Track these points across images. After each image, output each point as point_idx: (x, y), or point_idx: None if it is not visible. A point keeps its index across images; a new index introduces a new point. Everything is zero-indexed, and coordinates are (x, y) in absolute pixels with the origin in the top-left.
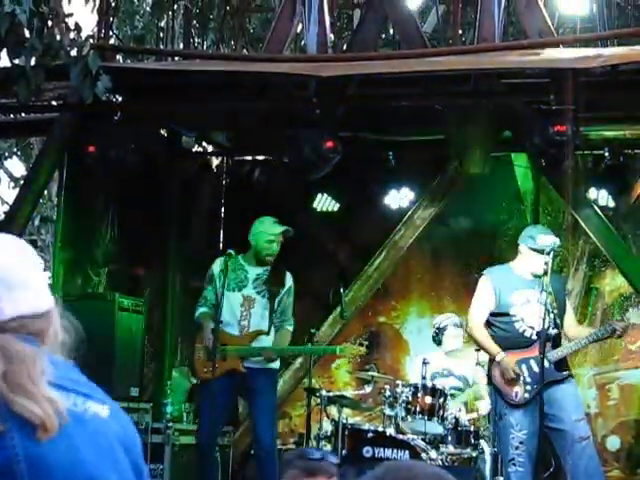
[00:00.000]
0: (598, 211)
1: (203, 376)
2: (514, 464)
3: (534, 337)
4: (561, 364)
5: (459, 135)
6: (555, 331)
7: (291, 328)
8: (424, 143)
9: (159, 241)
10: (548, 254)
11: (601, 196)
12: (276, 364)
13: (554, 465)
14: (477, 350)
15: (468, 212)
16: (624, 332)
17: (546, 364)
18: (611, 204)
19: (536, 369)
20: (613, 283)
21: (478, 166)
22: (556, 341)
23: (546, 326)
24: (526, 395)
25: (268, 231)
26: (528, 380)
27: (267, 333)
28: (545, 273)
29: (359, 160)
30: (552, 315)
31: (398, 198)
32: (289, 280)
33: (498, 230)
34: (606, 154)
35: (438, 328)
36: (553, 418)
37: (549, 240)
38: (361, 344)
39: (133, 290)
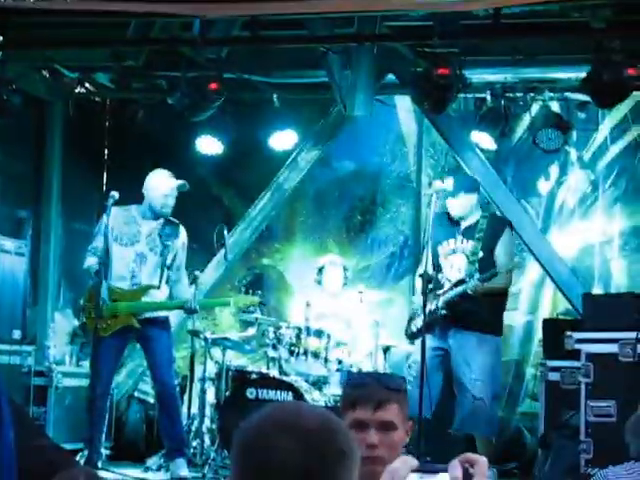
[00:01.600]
0: (480, 154)
1: (98, 334)
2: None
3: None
4: (458, 307)
5: (343, 78)
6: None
7: (187, 281)
8: (308, 85)
9: (42, 182)
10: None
11: (483, 139)
12: (167, 313)
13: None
14: (360, 292)
15: (352, 154)
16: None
17: (432, 306)
18: (492, 147)
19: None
20: None
21: (362, 109)
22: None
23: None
24: (413, 329)
25: (163, 185)
26: (417, 316)
27: (158, 287)
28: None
29: (243, 102)
30: (474, 265)
31: (282, 140)
32: (183, 234)
33: (382, 172)
34: (488, 97)
35: (318, 269)
36: (456, 367)
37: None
38: (253, 293)
39: (15, 232)
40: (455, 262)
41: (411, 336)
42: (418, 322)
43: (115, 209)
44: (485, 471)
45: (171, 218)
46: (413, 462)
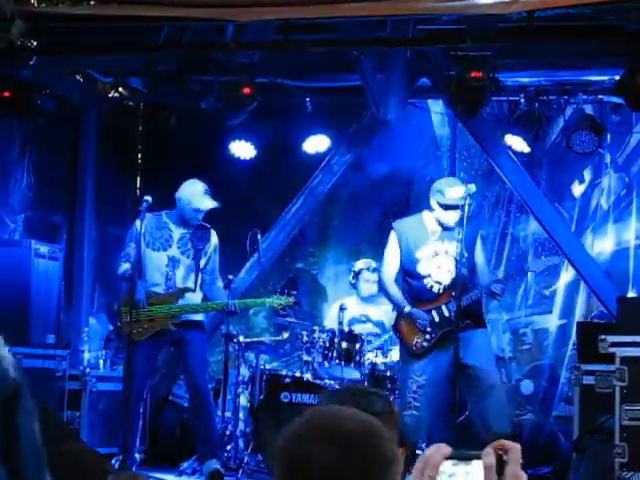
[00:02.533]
0: (513, 157)
1: (133, 337)
2: (410, 407)
3: (440, 291)
4: (467, 314)
5: (376, 81)
6: (457, 284)
7: (221, 284)
8: (341, 89)
9: (76, 187)
10: (458, 208)
11: (516, 142)
12: (202, 317)
13: (469, 409)
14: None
15: (385, 158)
16: (500, 295)
17: (446, 313)
18: (526, 150)
19: (437, 319)
20: (528, 229)
21: (395, 112)
22: (459, 292)
23: (451, 277)
24: (424, 344)
25: (196, 202)
26: (428, 329)
27: (193, 290)
28: (457, 225)
29: (276, 106)
30: (458, 266)
31: (315, 144)
32: (214, 238)
33: (415, 176)
34: (522, 100)
35: (354, 273)
36: (468, 367)
37: (459, 193)
38: (289, 294)
39: (50, 237)
40: (443, 264)
41: (422, 353)
42: (426, 336)
43: (147, 215)
44: (518, 458)
45: (202, 222)
46: (446, 449)
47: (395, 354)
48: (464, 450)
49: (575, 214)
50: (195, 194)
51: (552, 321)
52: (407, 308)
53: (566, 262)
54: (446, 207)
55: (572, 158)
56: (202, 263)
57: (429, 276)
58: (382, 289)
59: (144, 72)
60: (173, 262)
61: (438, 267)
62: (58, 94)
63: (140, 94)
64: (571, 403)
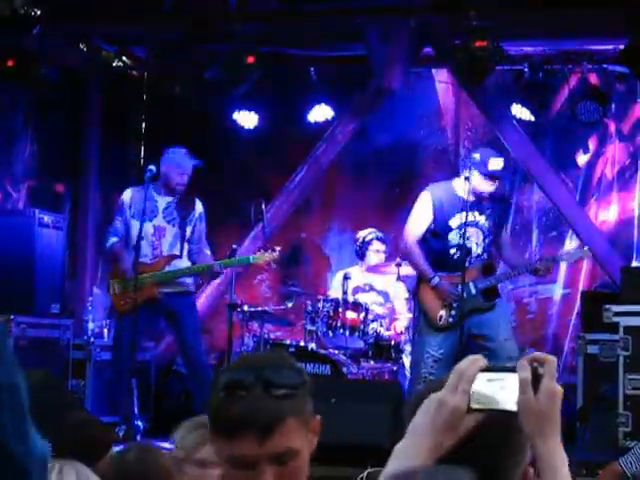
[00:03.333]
0: (518, 126)
1: (122, 309)
2: (424, 381)
3: (466, 263)
4: (489, 292)
5: (380, 51)
6: (485, 259)
7: (209, 251)
8: (345, 58)
9: (79, 156)
10: (498, 178)
11: (521, 111)
12: (191, 286)
13: None
14: (398, 265)
15: (389, 128)
16: (546, 273)
17: (473, 291)
18: (530, 119)
19: (463, 295)
20: (532, 198)
21: (399, 82)
22: (487, 268)
23: (479, 251)
24: (450, 319)
25: (180, 164)
26: (454, 305)
27: (180, 257)
28: (492, 199)
29: (280, 75)
30: (487, 241)
31: (320, 113)
32: (199, 207)
33: (419, 145)
34: (526, 70)
35: (363, 242)
36: (483, 338)
37: (499, 163)
38: (273, 249)
39: (53, 206)
40: (472, 236)
41: (446, 327)
42: (452, 311)
43: (131, 189)
44: (554, 371)
45: (186, 193)
46: (481, 361)
47: (400, 324)
48: (499, 364)
49: (580, 183)
50: (178, 155)
51: (556, 291)
52: (436, 279)
53: (570, 231)
54: (489, 176)
55: (577, 127)
56: (187, 232)
57: (457, 245)
58: (407, 251)
59: (148, 41)
60: (159, 231)
61: (468, 238)
62: (62, 63)
63: (144, 63)
64: (575, 372)
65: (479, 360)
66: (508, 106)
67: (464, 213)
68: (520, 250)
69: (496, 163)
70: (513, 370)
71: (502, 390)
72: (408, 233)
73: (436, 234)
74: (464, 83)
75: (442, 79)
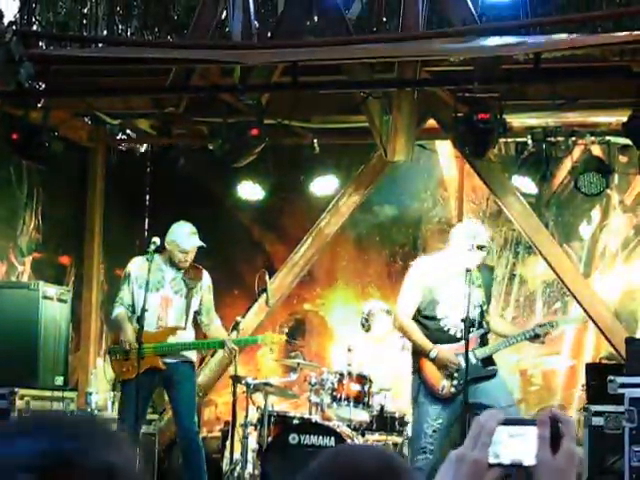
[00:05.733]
0: (521, 198)
1: (123, 376)
2: (424, 451)
3: (458, 335)
4: (488, 360)
5: (383, 123)
6: (482, 330)
7: (219, 323)
8: (349, 130)
9: (84, 229)
10: (484, 249)
11: (524, 183)
12: (193, 356)
13: None
14: (402, 336)
15: (393, 200)
16: (545, 339)
17: (473, 360)
18: (534, 191)
19: (463, 364)
20: (536, 270)
21: (402, 154)
22: (483, 338)
23: (474, 323)
24: (452, 390)
25: (182, 244)
26: (456, 375)
27: (184, 328)
28: (478, 268)
29: (284, 147)
30: (480, 311)
31: (323, 185)
32: (206, 278)
33: (423, 218)
34: (529, 142)
35: (368, 314)
36: (483, 407)
37: (487, 235)
38: (281, 327)
39: (58, 278)
40: (461, 307)
41: (447, 398)
42: (453, 381)
43: (137, 259)
44: (573, 433)
45: (194, 264)
46: (500, 415)
47: (404, 395)
48: (519, 416)
49: (583, 255)
50: (181, 235)
51: (561, 362)
52: (435, 352)
53: (574, 303)
54: (480, 248)
55: (580, 199)
56: (195, 303)
57: (446, 318)
58: (403, 330)
59: (152, 114)
60: (165, 302)
61: (456, 310)
62: (66, 136)
63: (148, 136)
64: (580, 444)
65: (498, 413)
66: (511, 178)
67: (453, 286)
68: (523, 321)
69: (486, 234)
70: (532, 423)
71: (522, 444)
72: (399, 312)
73: (425, 309)
74: (467, 155)
75: (445, 151)
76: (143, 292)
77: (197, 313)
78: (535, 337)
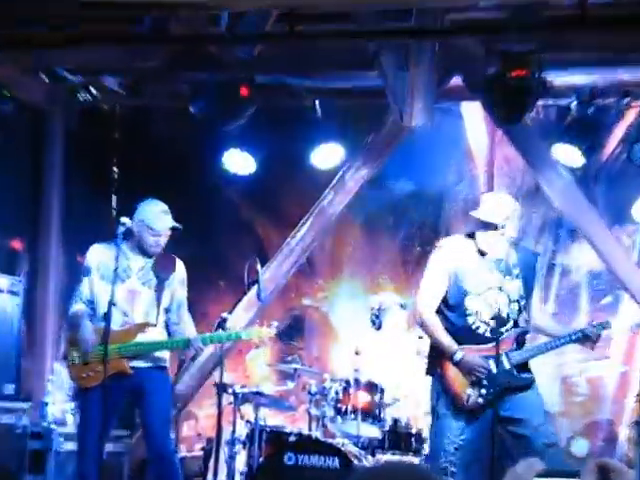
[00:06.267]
0: (564, 172)
1: (83, 383)
2: (445, 473)
3: (487, 334)
4: (523, 366)
5: (398, 81)
6: (519, 329)
7: (191, 322)
8: (357, 90)
9: (39, 208)
10: (497, 228)
11: (567, 154)
12: (166, 358)
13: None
14: (420, 337)
15: (410, 173)
16: (597, 340)
17: (506, 366)
18: (579, 163)
19: (494, 370)
20: (581, 258)
21: (421, 118)
22: (519, 339)
23: (509, 324)
24: (479, 400)
25: (153, 225)
26: (485, 383)
27: (155, 325)
28: (517, 253)
29: (279, 110)
30: (518, 306)
31: (326, 156)
32: (180, 268)
33: (446, 195)
34: (574, 104)
35: (379, 309)
36: (515, 422)
37: (508, 209)
38: (269, 325)
39: (8, 267)
40: (494, 301)
41: (473, 410)
42: (481, 390)
43: (98, 246)
44: None
45: (167, 253)
46: (538, 465)
47: (421, 406)
48: (559, 467)
49: (637, 240)
50: (152, 213)
51: (610, 368)
52: (460, 354)
53: (627, 297)
54: (499, 228)
55: (634, 172)
56: (166, 297)
57: (476, 314)
58: (424, 326)
59: (121, 69)
60: (132, 295)
61: (488, 304)
62: (18, 96)
63: (116, 96)
64: (632, 466)
65: (536, 463)
66: (551, 147)
67: (485, 275)
68: (565, 319)
69: (507, 210)
70: (576, 475)
71: None
72: (421, 304)
73: (452, 302)
74: (499, 120)
75: (473, 115)
76: (105, 285)
77: (166, 310)
78: (584, 339)
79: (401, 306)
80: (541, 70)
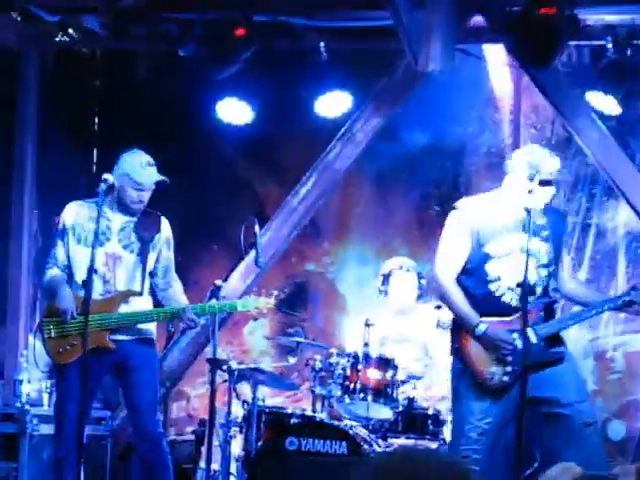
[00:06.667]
0: (598, 122)
1: (59, 359)
2: (466, 460)
3: (514, 304)
4: (555, 339)
5: (413, 20)
6: (547, 299)
7: (181, 288)
8: (367, 31)
9: (10, 163)
10: (554, 186)
11: (602, 102)
12: (152, 330)
13: (539, 460)
14: (438, 307)
15: (426, 124)
16: None
17: (534, 339)
18: (615, 112)
19: (519, 345)
20: (618, 217)
21: (439, 62)
22: (549, 309)
23: (537, 291)
24: (505, 378)
25: (137, 177)
26: (509, 359)
27: (140, 293)
28: (544, 214)
29: (280, 53)
30: (547, 272)
31: (333, 104)
32: (166, 228)
33: (466, 147)
34: (609, 46)
35: (383, 275)
36: (547, 402)
37: (556, 165)
38: (269, 294)
39: None
40: (519, 265)
41: (497, 390)
42: (506, 368)
43: (74, 204)
44: None
45: (148, 209)
46: (574, 469)
47: (440, 387)
48: (595, 473)
49: None
50: (135, 165)
51: None
52: (483, 326)
53: None
54: (545, 183)
55: None
56: (151, 260)
57: (498, 279)
58: (443, 296)
59: (102, 8)
60: (113, 259)
61: (513, 269)
62: None
63: (96, 37)
64: None
65: (572, 469)
66: (585, 94)
67: (508, 237)
68: (601, 286)
69: (553, 164)
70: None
71: None
72: (440, 269)
73: (471, 267)
74: (526, 64)
75: (497, 58)
76: (82, 248)
77: (151, 274)
78: (627, 305)
79: (415, 272)
80: (572, 7)
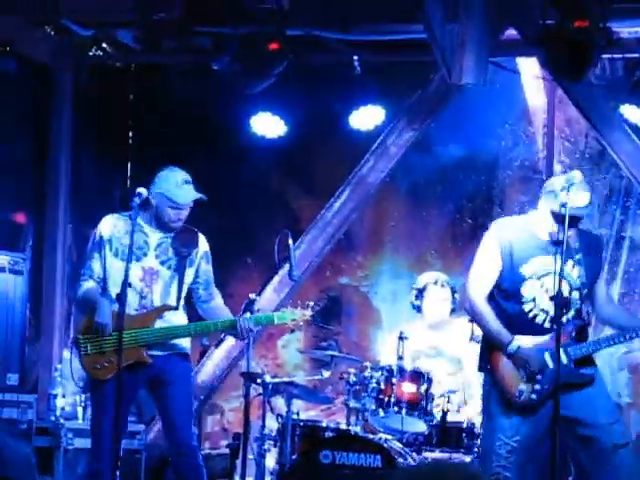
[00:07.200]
0: (632, 134)
1: (95, 375)
2: (497, 478)
3: (547, 325)
4: (585, 360)
5: (447, 34)
6: (579, 321)
7: (221, 300)
8: (400, 45)
9: (45, 177)
10: (580, 220)
11: (636, 114)
12: (187, 347)
13: (574, 474)
14: (471, 321)
15: (459, 137)
16: None
17: (564, 360)
18: None
19: (550, 364)
20: None
21: (472, 75)
22: (581, 331)
23: (570, 313)
24: (533, 396)
25: (174, 197)
26: (539, 378)
27: (176, 308)
28: (578, 237)
29: (314, 67)
30: (579, 295)
31: (366, 118)
32: (203, 243)
33: (500, 161)
34: None
35: (418, 290)
36: (578, 422)
37: (584, 200)
38: (305, 306)
39: (11, 243)
40: (552, 287)
41: (525, 407)
42: (535, 386)
43: (111, 217)
44: None
45: (185, 225)
46: None
47: (474, 402)
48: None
49: None
50: (173, 184)
51: None
52: (515, 344)
53: None
54: (566, 219)
55: None
56: (188, 276)
57: (533, 301)
58: (474, 314)
59: (136, 22)
60: (150, 275)
61: (547, 290)
62: (21, 52)
63: (130, 52)
64: None
65: None
66: (618, 107)
67: (543, 258)
68: (635, 299)
69: (580, 199)
70: None
71: None
72: (472, 289)
73: (506, 287)
74: (560, 77)
75: (530, 72)
76: (119, 262)
77: (191, 289)
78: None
79: (449, 287)
80: (605, 19)
